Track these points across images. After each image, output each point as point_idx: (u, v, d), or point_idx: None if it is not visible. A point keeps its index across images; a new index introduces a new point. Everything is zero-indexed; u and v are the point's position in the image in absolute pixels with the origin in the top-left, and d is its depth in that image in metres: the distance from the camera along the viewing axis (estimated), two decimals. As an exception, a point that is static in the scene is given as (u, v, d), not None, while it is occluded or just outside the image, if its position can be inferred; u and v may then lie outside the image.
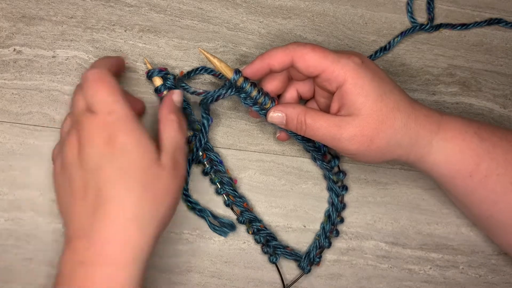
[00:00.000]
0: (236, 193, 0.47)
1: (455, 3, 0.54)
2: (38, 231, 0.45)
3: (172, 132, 0.40)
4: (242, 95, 0.43)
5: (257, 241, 0.47)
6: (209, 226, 0.46)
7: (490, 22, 0.54)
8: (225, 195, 0.47)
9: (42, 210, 0.45)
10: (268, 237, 0.47)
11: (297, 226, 0.48)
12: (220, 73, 0.44)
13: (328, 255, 0.48)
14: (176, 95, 0.43)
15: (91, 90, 0.38)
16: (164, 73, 0.45)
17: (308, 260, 0.47)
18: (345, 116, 0.40)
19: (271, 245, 0.47)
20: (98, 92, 0.37)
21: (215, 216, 0.47)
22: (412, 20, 0.53)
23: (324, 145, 0.48)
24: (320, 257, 0.47)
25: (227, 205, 0.47)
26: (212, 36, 0.49)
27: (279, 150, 0.49)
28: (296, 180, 0.49)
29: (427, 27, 0.52)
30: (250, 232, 0.47)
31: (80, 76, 0.46)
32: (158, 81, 0.45)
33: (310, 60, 0.40)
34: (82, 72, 0.47)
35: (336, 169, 0.49)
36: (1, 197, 0.44)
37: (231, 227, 0.47)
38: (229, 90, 0.43)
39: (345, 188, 0.49)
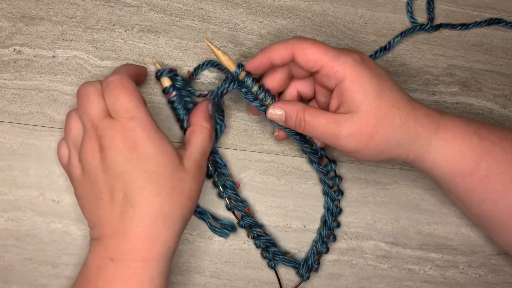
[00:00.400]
0: (238, 198, 0.47)
1: (455, 3, 0.54)
2: (38, 231, 0.45)
3: (202, 139, 0.42)
4: (243, 90, 0.43)
5: (257, 246, 0.47)
6: (209, 228, 0.46)
7: (490, 22, 0.54)
8: (227, 199, 0.47)
9: (42, 210, 0.45)
10: (268, 243, 0.47)
11: (297, 226, 0.48)
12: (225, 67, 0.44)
13: (328, 255, 0.48)
14: (210, 105, 0.45)
15: (112, 96, 0.38)
16: (173, 73, 0.45)
17: (307, 267, 0.47)
18: (344, 113, 0.40)
19: (270, 251, 0.47)
20: (119, 98, 0.38)
21: (215, 218, 0.47)
22: (412, 20, 0.53)
23: (321, 148, 0.48)
24: (318, 263, 0.47)
25: (229, 208, 0.47)
26: (212, 36, 0.49)
27: (279, 150, 0.49)
28: (296, 180, 0.49)
29: (427, 27, 0.52)
30: (250, 237, 0.47)
31: (80, 77, 0.47)
32: (166, 82, 0.45)
33: (310, 55, 0.40)
34: (82, 72, 0.47)
35: (332, 174, 0.49)
36: (1, 197, 0.44)
37: (232, 228, 0.47)
38: (232, 84, 0.43)
39: (341, 192, 0.48)
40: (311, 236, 0.48)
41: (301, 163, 0.49)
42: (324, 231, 0.48)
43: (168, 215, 0.38)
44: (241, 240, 0.47)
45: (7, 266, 0.44)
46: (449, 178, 0.42)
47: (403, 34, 0.52)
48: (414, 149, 0.41)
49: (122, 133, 0.38)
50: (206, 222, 0.46)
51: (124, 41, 0.48)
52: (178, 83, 0.45)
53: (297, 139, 0.46)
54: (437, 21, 0.53)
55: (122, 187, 0.37)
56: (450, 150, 0.41)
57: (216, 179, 0.47)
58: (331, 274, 0.48)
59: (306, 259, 0.47)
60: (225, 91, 0.43)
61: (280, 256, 0.47)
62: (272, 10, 0.51)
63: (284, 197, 0.48)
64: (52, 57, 0.47)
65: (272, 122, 0.44)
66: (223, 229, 0.46)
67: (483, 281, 0.50)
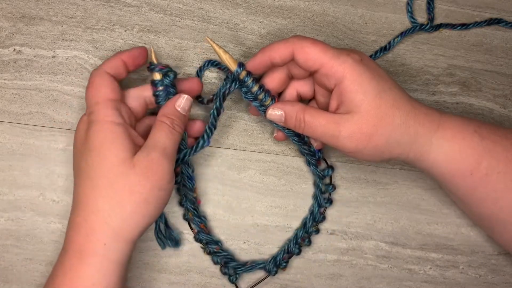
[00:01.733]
0: (196, 212, 0.46)
1: (455, 3, 0.54)
2: (38, 231, 0.45)
3: (158, 134, 0.40)
4: (244, 89, 0.43)
5: (214, 262, 0.46)
6: (155, 231, 0.45)
7: (490, 22, 0.54)
8: (186, 210, 0.46)
9: (42, 210, 0.45)
10: (226, 259, 0.46)
11: (297, 226, 0.48)
12: (225, 66, 0.44)
13: (328, 255, 0.48)
14: (180, 102, 0.42)
15: (86, 88, 0.41)
16: (165, 70, 0.43)
17: (274, 263, 0.46)
18: (344, 113, 0.40)
19: (230, 266, 0.46)
20: (87, 92, 0.40)
21: (167, 225, 0.45)
22: (412, 20, 0.53)
23: (319, 150, 0.48)
24: (287, 262, 0.47)
25: (185, 219, 0.46)
26: (212, 36, 0.49)
27: (279, 150, 0.49)
28: (296, 180, 0.49)
29: (427, 27, 0.52)
30: (206, 253, 0.46)
31: (80, 77, 0.47)
32: (157, 76, 0.43)
33: (310, 53, 0.40)
34: (82, 72, 0.47)
35: (328, 180, 0.49)
36: (1, 197, 0.44)
37: (176, 243, 0.45)
38: (233, 84, 0.43)
39: (329, 201, 0.48)
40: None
41: (301, 163, 0.49)
42: (301, 232, 0.47)
43: (103, 211, 0.37)
44: (241, 240, 0.47)
45: (7, 266, 0.44)
46: (450, 177, 0.42)
47: (403, 34, 0.52)
48: (414, 149, 0.41)
49: (82, 126, 0.40)
50: (156, 225, 0.44)
51: (124, 41, 0.48)
52: (167, 80, 0.43)
53: (295, 140, 0.46)
54: (437, 21, 0.53)
55: (74, 177, 0.40)
56: (450, 149, 0.41)
57: (180, 188, 0.46)
58: (331, 274, 0.48)
59: (275, 256, 0.47)
60: (227, 92, 0.43)
61: (242, 268, 0.46)
62: (272, 10, 0.51)
63: (284, 197, 0.48)
64: (52, 57, 0.47)
65: (271, 122, 0.44)
66: (167, 239, 0.45)
67: (483, 281, 0.50)
